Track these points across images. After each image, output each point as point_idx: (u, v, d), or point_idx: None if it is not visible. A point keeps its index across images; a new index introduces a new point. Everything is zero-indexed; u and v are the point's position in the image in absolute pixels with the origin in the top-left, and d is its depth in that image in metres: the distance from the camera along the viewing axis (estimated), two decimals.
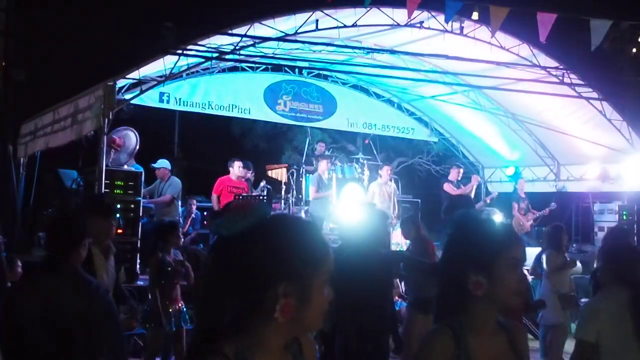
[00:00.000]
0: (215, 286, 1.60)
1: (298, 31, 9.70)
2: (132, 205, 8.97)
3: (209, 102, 12.50)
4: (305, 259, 1.58)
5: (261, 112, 13.28)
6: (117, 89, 8.84)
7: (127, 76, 9.26)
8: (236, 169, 11.03)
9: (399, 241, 12.33)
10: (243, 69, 12.72)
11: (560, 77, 10.78)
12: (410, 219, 7.17)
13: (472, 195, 12.94)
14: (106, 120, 8.38)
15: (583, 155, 13.12)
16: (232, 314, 1.56)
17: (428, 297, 6.82)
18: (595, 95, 11.17)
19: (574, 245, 13.10)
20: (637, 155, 11.83)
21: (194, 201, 12.09)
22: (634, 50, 9.39)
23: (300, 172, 12.65)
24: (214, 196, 10.91)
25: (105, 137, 8.45)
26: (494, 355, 2.10)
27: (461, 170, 13.14)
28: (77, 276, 3.54)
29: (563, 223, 13.04)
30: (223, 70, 12.44)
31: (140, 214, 9.18)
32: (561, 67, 10.70)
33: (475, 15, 9.63)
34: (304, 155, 13.25)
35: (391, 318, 5.15)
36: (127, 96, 9.51)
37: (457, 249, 2.19)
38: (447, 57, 9.99)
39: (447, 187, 12.72)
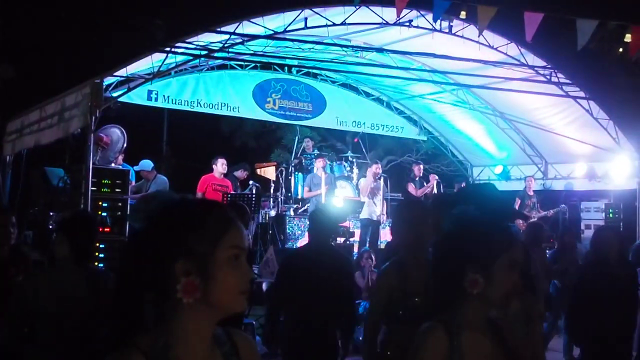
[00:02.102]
0: (127, 278, 1.57)
1: (287, 29, 9.68)
2: (120, 204, 8.92)
3: (197, 100, 12.47)
4: (200, 234, 1.54)
5: (250, 111, 13.27)
6: (104, 86, 8.79)
7: (115, 74, 9.22)
8: (219, 166, 10.99)
9: (388, 239, 12.37)
10: (232, 67, 12.70)
11: (548, 76, 10.84)
12: None
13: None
14: (93, 118, 8.32)
15: (570, 153, 13.20)
16: (147, 305, 1.53)
17: None
18: (582, 94, 11.24)
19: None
20: (623, 153, 11.91)
21: None
22: (620, 50, 9.44)
23: (290, 170, 12.65)
24: (199, 194, 10.88)
25: (92, 135, 8.40)
26: (486, 353, 2.10)
27: (421, 167, 13.23)
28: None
29: (550, 221, 13.28)
30: (212, 68, 12.41)
31: (128, 213, 9.13)
32: (549, 66, 10.75)
33: (463, 15, 9.66)
34: (293, 153, 13.25)
35: (347, 316, 5.03)
36: (115, 94, 9.46)
37: (456, 245, 2.17)
38: (435, 55, 10.01)
39: (410, 188, 12.82)
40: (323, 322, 4.74)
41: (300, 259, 4.96)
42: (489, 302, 2.12)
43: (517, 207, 13.08)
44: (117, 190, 8.91)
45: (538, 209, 13.16)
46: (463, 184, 14.10)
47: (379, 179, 11.86)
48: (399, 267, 3.77)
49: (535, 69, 10.72)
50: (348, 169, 12.77)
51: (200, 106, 12.55)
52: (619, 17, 8.19)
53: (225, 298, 1.55)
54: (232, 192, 11.05)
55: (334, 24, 9.78)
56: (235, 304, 1.57)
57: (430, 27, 10.01)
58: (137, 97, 11.30)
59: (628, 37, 8.11)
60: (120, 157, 9.94)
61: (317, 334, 4.73)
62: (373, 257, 9.31)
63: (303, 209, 12.05)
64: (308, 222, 5.45)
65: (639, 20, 7.71)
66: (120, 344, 1.52)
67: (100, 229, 8.66)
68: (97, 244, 8.57)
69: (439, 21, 9.82)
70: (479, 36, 9.74)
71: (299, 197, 12.28)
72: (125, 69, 9.19)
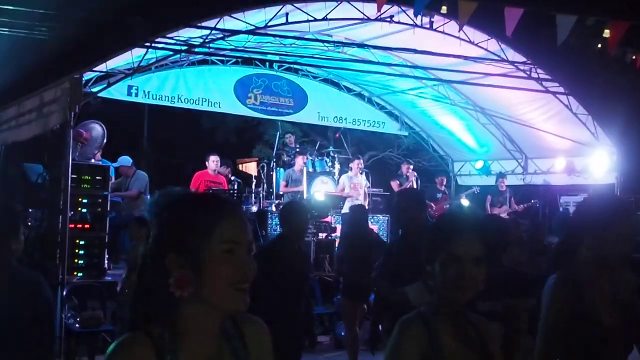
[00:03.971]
0: (140, 271, 1.62)
1: (268, 24, 9.65)
2: (100, 200, 8.85)
3: (178, 95, 12.41)
4: (191, 228, 1.53)
5: (231, 106, 13.23)
6: (83, 81, 8.71)
7: (94, 69, 9.13)
8: (211, 163, 11.01)
9: None
10: (213, 62, 12.65)
11: (528, 72, 10.91)
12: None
13: None
14: (72, 113, 8.24)
15: (550, 148, 13.31)
16: (154, 297, 1.55)
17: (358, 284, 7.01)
18: (561, 89, 11.33)
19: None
20: (601, 148, 12.04)
21: None
22: (599, 45, 9.53)
23: (271, 165, 12.63)
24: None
25: (71, 130, 8.32)
26: (462, 346, 2.12)
27: (410, 167, 13.33)
28: (10, 270, 3.40)
29: (530, 215, 13.39)
30: (193, 64, 12.36)
31: (108, 209, 9.07)
32: (529, 62, 10.82)
33: (444, 9, 9.68)
34: (275, 149, 13.24)
35: (305, 314, 5.10)
36: (94, 89, 9.40)
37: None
38: (415, 51, 10.03)
39: (394, 184, 12.92)
40: (290, 322, 4.78)
41: (273, 258, 4.92)
42: (441, 295, 2.17)
43: (488, 204, 13.22)
44: (97, 186, 8.83)
45: (510, 205, 13.29)
46: (443, 178, 14.19)
47: (361, 174, 11.90)
48: None
49: (515, 64, 10.78)
50: (329, 164, 12.77)
51: (181, 102, 12.49)
52: (598, 12, 8.26)
53: (216, 293, 1.53)
54: (226, 189, 11.07)
55: (315, 20, 9.76)
56: (228, 299, 1.54)
57: (411, 22, 10.02)
58: (117, 92, 11.22)
59: (607, 33, 8.18)
60: (99, 154, 9.86)
61: (286, 334, 4.75)
62: None
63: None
64: (280, 219, 5.42)
65: (617, 16, 7.79)
66: (132, 329, 1.55)
67: (80, 226, 8.59)
68: (77, 241, 8.51)
69: (419, 17, 9.83)
70: (459, 31, 9.78)
71: (280, 191, 12.27)
72: (104, 64, 9.10)
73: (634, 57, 10.72)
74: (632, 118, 12.56)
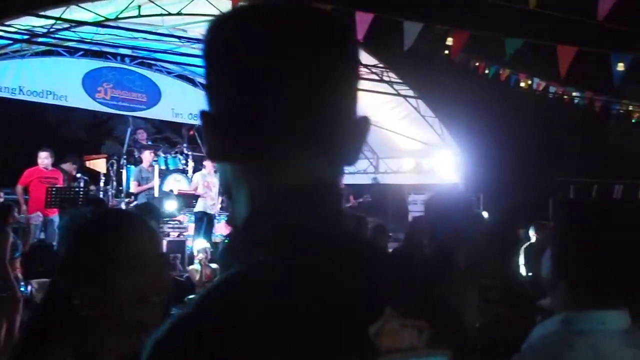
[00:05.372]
0: (59, 289, 1.49)
1: (119, 16, 9.29)
2: None
3: (19, 86, 11.65)
4: (92, 246, 1.51)
5: (79, 100, 12.60)
6: None
7: None
8: (43, 160, 10.26)
9: (222, 232, 12.32)
10: (59, 54, 11.97)
11: (380, 75, 11.30)
12: None
13: None
14: None
15: (400, 149, 13.87)
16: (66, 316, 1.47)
17: None
18: (411, 93, 11.85)
19: (390, 234, 13.82)
20: (447, 149, 12.73)
21: (1, 193, 11.15)
22: (446, 52, 10.06)
23: (121, 162, 12.18)
24: (19, 188, 10.12)
25: None
26: None
27: None
28: None
29: (380, 213, 13.91)
30: (37, 54, 11.63)
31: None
32: (380, 65, 11.19)
33: None
34: (125, 145, 12.75)
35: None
36: None
37: None
38: None
39: None
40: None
41: None
42: None
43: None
44: None
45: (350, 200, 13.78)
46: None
47: (215, 172, 11.75)
48: None
49: (368, 67, 11.12)
50: (183, 162, 12.52)
51: (23, 94, 11.72)
52: (444, 21, 8.72)
53: (124, 307, 1.51)
54: (62, 184, 10.39)
55: (170, 14, 9.54)
56: (136, 313, 1.52)
57: None
58: None
59: (450, 41, 8.65)
60: None
61: None
62: (208, 251, 9.21)
63: (134, 203, 11.63)
64: None
65: (459, 26, 8.26)
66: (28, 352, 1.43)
67: None
68: None
69: None
70: None
71: (131, 190, 11.85)
72: None
73: (477, 64, 11.45)
74: (473, 121, 13.41)
